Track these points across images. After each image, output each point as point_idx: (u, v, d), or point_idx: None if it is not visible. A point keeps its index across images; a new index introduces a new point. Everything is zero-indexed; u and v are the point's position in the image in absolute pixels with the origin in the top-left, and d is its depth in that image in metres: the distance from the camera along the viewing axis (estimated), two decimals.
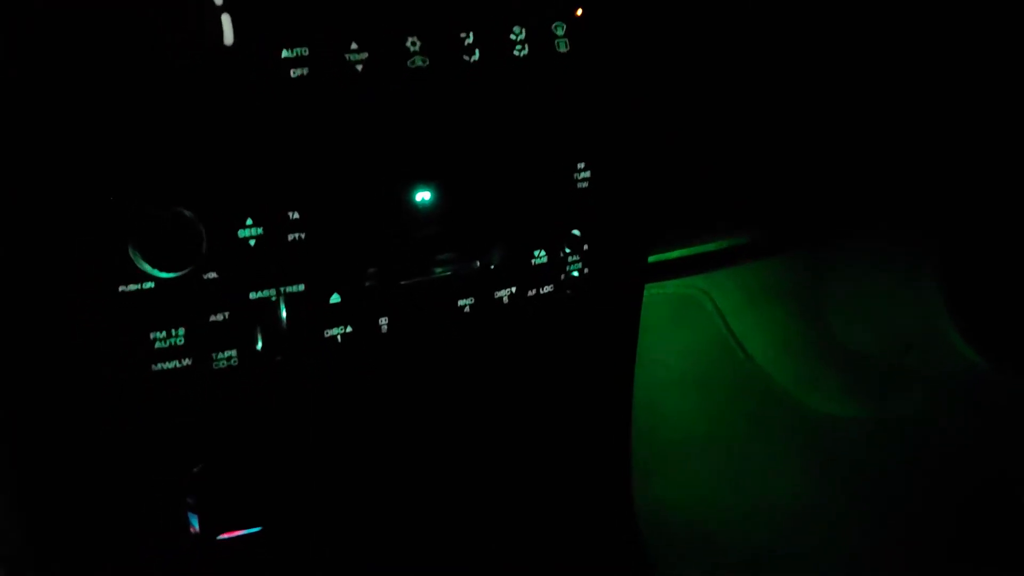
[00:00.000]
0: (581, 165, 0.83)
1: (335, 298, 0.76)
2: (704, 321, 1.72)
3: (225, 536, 0.79)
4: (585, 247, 0.85)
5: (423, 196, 0.78)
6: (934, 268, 1.40)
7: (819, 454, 1.61)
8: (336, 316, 0.76)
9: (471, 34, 0.75)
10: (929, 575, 1.41)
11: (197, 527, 0.77)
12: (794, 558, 1.45)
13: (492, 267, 0.81)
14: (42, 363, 0.69)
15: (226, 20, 0.67)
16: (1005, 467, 1.49)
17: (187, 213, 0.68)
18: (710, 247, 1.44)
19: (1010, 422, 1.49)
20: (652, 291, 1.56)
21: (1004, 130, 1.22)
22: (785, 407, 1.66)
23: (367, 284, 0.77)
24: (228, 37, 0.68)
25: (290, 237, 0.73)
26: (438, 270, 0.80)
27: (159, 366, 0.71)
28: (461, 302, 0.81)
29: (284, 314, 0.74)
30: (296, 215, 0.72)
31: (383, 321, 0.78)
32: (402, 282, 0.79)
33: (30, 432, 0.73)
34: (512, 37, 0.77)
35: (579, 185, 0.83)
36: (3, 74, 0.63)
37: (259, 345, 0.73)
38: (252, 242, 0.71)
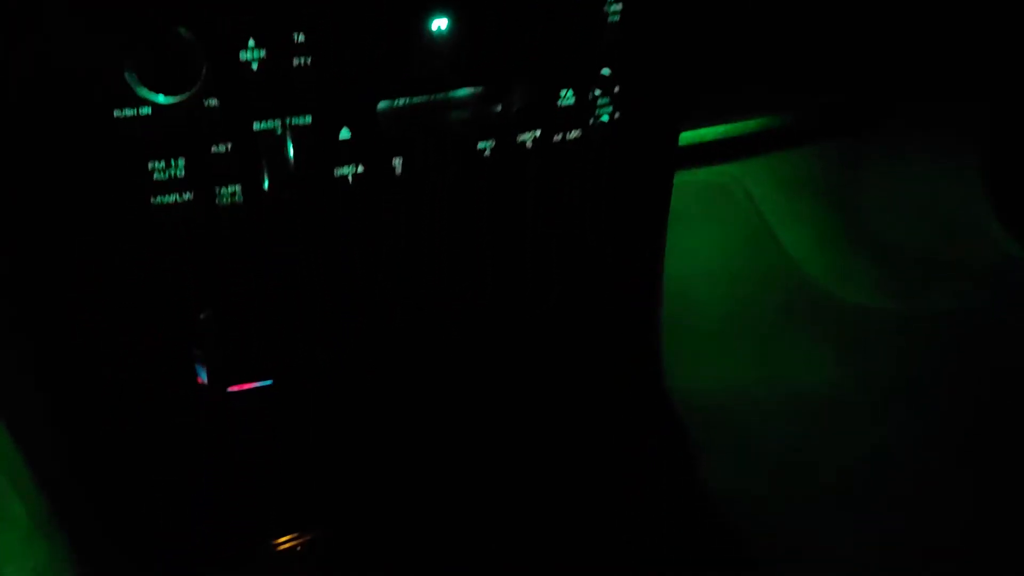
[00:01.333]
0: None
1: (345, 133, 0.70)
2: (735, 210, 1.65)
3: (235, 389, 0.75)
4: (616, 89, 0.79)
5: (439, 24, 0.71)
6: (976, 155, 1.34)
7: (851, 346, 1.57)
8: (347, 153, 0.71)
9: None
10: (960, 468, 1.37)
11: (205, 378, 0.73)
12: (823, 449, 1.42)
13: (514, 107, 0.75)
14: (36, 193, 0.65)
15: None
16: None
17: (186, 33, 0.63)
18: (743, 132, 1.37)
19: None
20: (682, 178, 1.50)
21: None
22: (817, 299, 1.60)
23: (379, 116, 0.71)
24: None
25: (295, 62, 0.67)
26: (455, 110, 0.74)
27: (159, 199, 0.66)
28: (481, 144, 0.75)
29: (291, 149, 0.68)
30: (302, 37, 0.67)
31: (397, 162, 0.73)
32: (417, 119, 0.73)
33: (28, 274, 0.69)
34: None
35: (610, 18, 0.76)
36: None
37: (265, 184, 0.68)
38: (255, 65, 0.66)
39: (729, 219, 1.66)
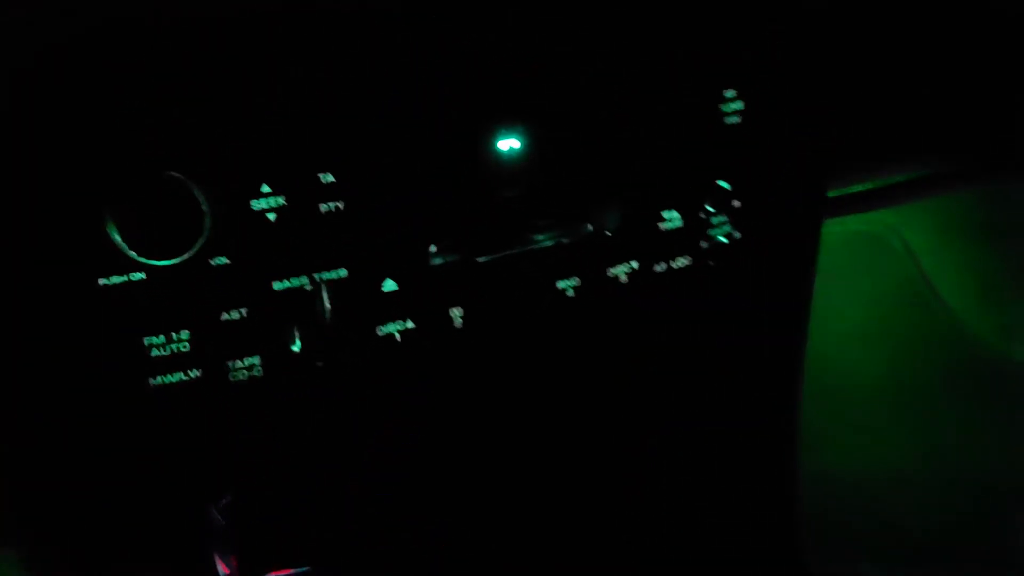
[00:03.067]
0: (731, 93, 0.60)
1: (390, 285, 0.57)
2: (890, 263, 1.52)
3: None
4: (736, 203, 0.63)
5: (509, 143, 0.57)
6: None
7: None
8: (392, 308, 0.57)
9: None
10: None
11: (228, 570, 0.61)
12: (997, 547, 1.31)
13: (605, 235, 0.60)
14: (26, 377, 0.54)
15: None
16: None
17: (182, 180, 0.51)
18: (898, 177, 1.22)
19: None
20: (828, 227, 1.37)
21: None
22: (990, 362, 1.46)
23: (432, 264, 0.57)
24: None
25: (323, 207, 0.54)
26: (531, 240, 0.60)
27: (159, 379, 0.54)
28: (561, 283, 0.60)
29: (327, 306, 0.55)
30: (330, 177, 0.53)
31: (456, 312, 0.59)
32: (480, 259, 0.59)
33: (26, 459, 0.58)
34: None
35: (727, 120, 0.60)
36: None
37: (296, 346, 0.55)
38: (272, 216, 0.53)
39: (883, 272, 1.53)
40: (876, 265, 1.49)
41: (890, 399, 1.47)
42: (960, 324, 1.46)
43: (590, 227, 0.61)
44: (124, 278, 0.52)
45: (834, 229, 1.42)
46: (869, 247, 1.48)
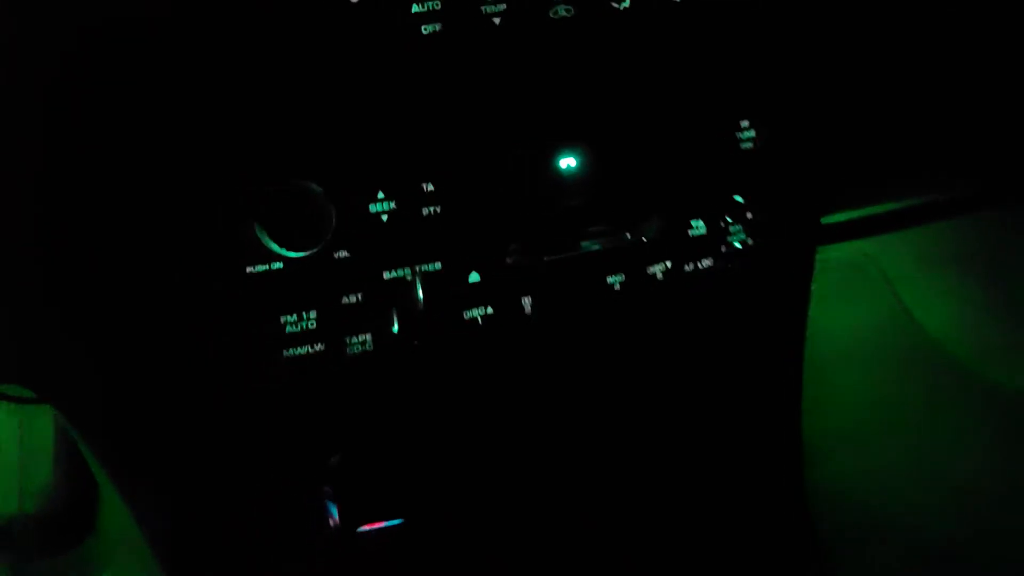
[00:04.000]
0: (745, 123, 0.74)
1: (474, 277, 0.70)
2: (872, 289, 1.59)
3: (365, 528, 0.75)
4: (749, 215, 0.76)
5: (568, 162, 0.70)
6: None
7: (1013, 440, 1.46)
8: (476, 296, 0.70)
9: None
10: None
11: (337, 519, 0.73)
12: (981, 553, 1.34)
13: (644, 240, 0.74)
14: (174, 351, 0.66)
15: None
16: None
17: (315, 188, 0.64)
18: (879, 208, 1.32)
19: None
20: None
21: None
22: (969, 385, 1.51)
23: (508, 261, 0.70)
24: None
25: (425, 211, 0.67)
26: (585, 244, 0.73)
27: (291, 351, 0.67)
28: (611, 279, 0.73)
29: (421, 295, 0.68)
30: (431, 187, 0.67)
31: (527, 301, 0.72)
32: (546, 258, 0.72)
33: (163, 420, 0.70)
34: None
35: (743, 146, 0.74)
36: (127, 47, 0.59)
37: (395, 328, 0.68)
38: (384, 217, 0.66)
39: (866, 299, 1.60)
40: (858, 291, 1.56)
41: (876, 419, 1.57)
42: (940, 349, 1.53)
43: (628, 235, 0.75)
44: (267, 267, 0.65)
45: (818, 257, 1.53)
46: (852, 276, 1.56)
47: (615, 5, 0.68)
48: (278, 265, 0.65)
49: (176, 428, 0.69)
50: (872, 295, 1.58)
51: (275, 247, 0.64)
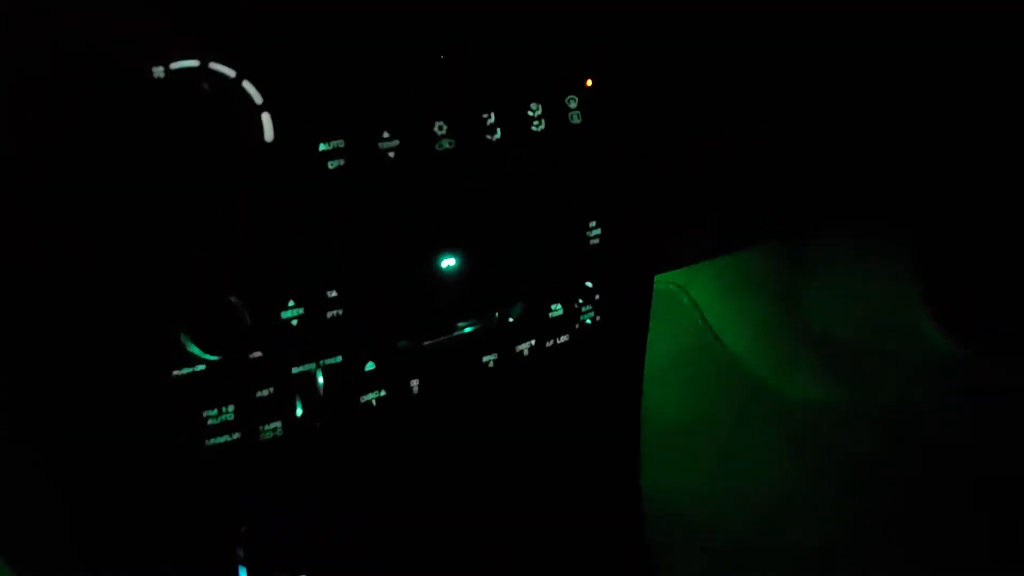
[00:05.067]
0: (593, 223, 0.88)
1: (370, 365, 0.80)
2: (683, 314, 1.75)
3: None
4: (596, 297, 0.90)
5: (448, 263, 0.82)
6: (908, 257, 1.43)
7: (800, 442, 1.64)
8: (371, 382, 0.81)
9: (492, 114, 0.80)
10: (909, 562, 1.48)
11: None
12: (781, 549, 1.50)
13: (511, 320, 0.86)
14: (100, 445, 0.73)
15: (266, 119, 0.71)
16: (976, 449, 1.53)
17: (234, 300, 0.72)
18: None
19: (981, 406, 1.52)
20: None
21: (977, 128, 1.26)
22: (765, 396, 1.69)
23: (398, 348, 0.81)
24: (268, 134, 0.71)
25: (329, 314, 0.77)
26: (461, 325, 0.85)
27: (211, 441, 0.75)
28: (485, 358, 0.86)
29: (321, 383, 0.78)
30: (334, 293, 0.77)
31: (414, 383, 0.83)
32: (426, 343, 0.83)
33: (90, 500, 0.77)
34: (529, 113, 0.81)
35: (591, 242, 0.88)
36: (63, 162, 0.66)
37: (299, 413, 0.78)
38: (294, 322, 0.75)
39: (677, 323, 1.76)
40: (671, 316, 1.71)
41: (688, 429, 1.66)
42: (742, 365, 1.69)
43: (499, 318, 0.87)
44: (191, 369, 0.74)
45: None
46: (664, 301, 1.70)
47: (489, 137, 0.80)
48: (201, 367, 0.73)
49: (103, 505, 0.76)
50: (684, 320, 1.73)
51: (198, 352, 0.72)
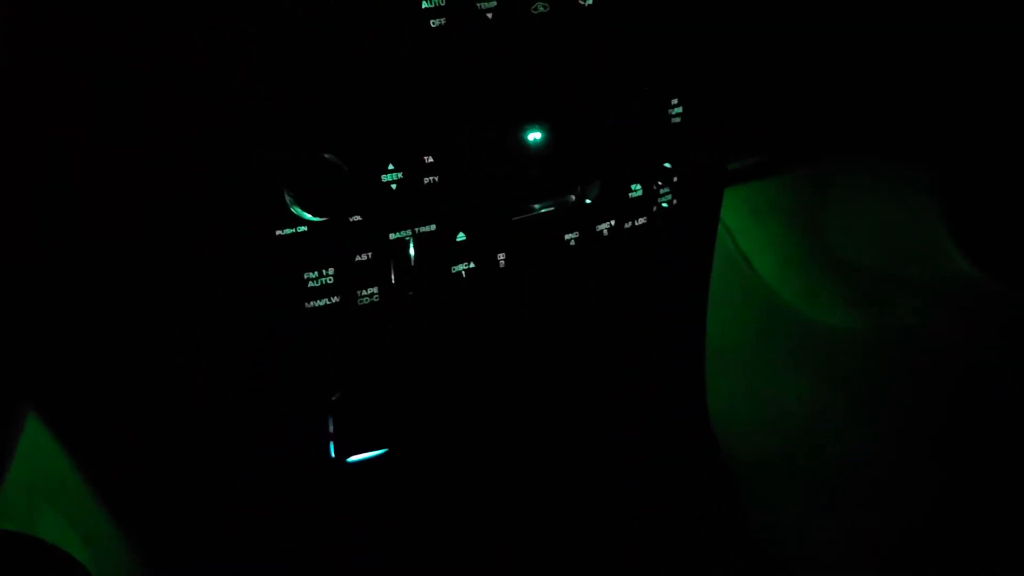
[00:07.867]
0: (675, 101, 0.88)
1: (461, 236, 0.81)
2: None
3: (355, 459, 0.85)
4: (675, 179, 0.91)
5: (535, 136, 0.82)
6: (930, 182, 1.45)
7: (822, 364, 1.67)
8: (461, 253, 0.81)
9: None
10: (922, 475, 1.50)
11: (332, 452, 0.83)
12: (804, 467, 1.53)
13: (588, 202, 0.87)
14: (205, 305, 0.74)
15: None
16: (995, 370, 1.55)
17: (336, 160, 0.72)
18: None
19: (1004, 331, 1.55)
20: None
21: (1001, 55, 1.27)
22: (789, 319, 1.71)
23: (487, 221, 0.82)
24: None
25: (426, 180, 0.77)
26: (537, 206, 0.85)
27: (312, 303, 0.75)
28: (568, 236, 0.86)
29: (412, 252, 0.79)
30: (431, 159, 0.77)
31: (501, 256, 0.83)
32: (514, 218, 0.83)
33: (192, 359, 0.77)
34: None
35: (673, 120, 0.88)
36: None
37: (392, 280, 0.78)
38: (394, 186, 0.76)
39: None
40: None
41: (715, 350, 1.74)
42: (768, 289, 1.72)
43: (573, 197, 0.87)
44: (293, 230, 0.74)
45: None
46: None
47: (581, 3, 0.80)
48: (303, 228, 0.74)
49: (204, 367, 0.77)
50: (717, 243, 1.76)
51: (301, 212, 0.72)
